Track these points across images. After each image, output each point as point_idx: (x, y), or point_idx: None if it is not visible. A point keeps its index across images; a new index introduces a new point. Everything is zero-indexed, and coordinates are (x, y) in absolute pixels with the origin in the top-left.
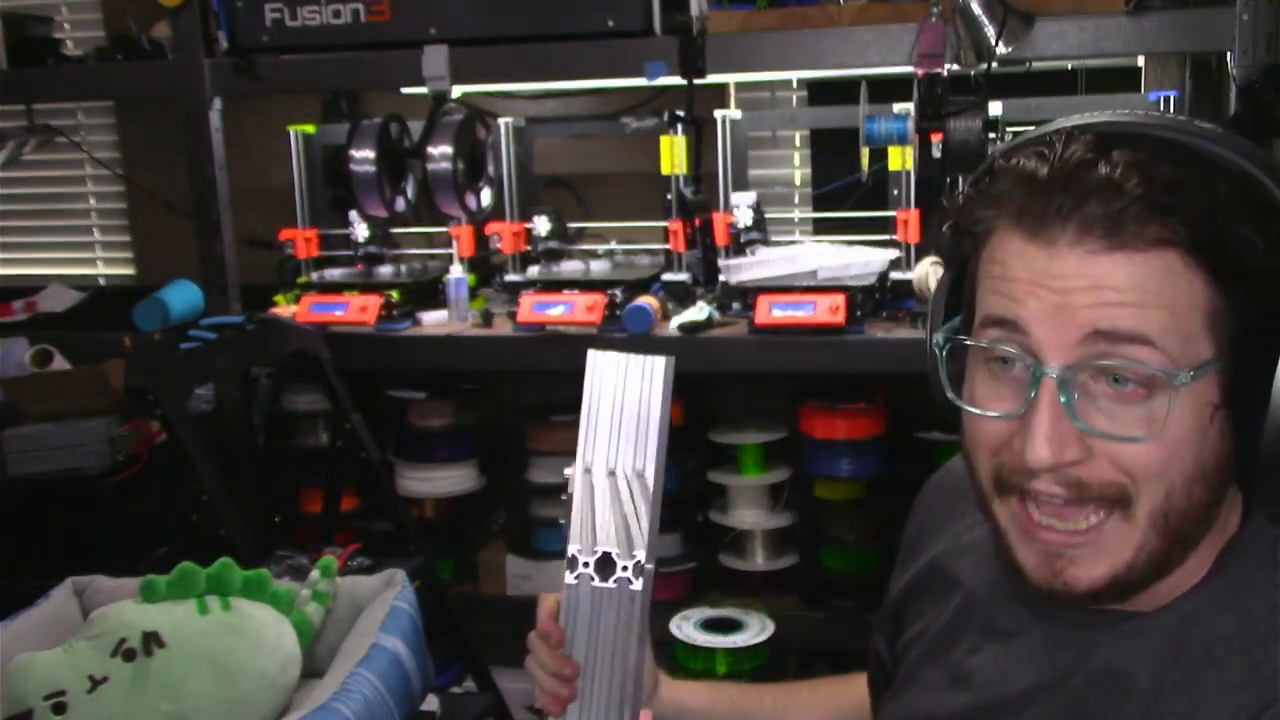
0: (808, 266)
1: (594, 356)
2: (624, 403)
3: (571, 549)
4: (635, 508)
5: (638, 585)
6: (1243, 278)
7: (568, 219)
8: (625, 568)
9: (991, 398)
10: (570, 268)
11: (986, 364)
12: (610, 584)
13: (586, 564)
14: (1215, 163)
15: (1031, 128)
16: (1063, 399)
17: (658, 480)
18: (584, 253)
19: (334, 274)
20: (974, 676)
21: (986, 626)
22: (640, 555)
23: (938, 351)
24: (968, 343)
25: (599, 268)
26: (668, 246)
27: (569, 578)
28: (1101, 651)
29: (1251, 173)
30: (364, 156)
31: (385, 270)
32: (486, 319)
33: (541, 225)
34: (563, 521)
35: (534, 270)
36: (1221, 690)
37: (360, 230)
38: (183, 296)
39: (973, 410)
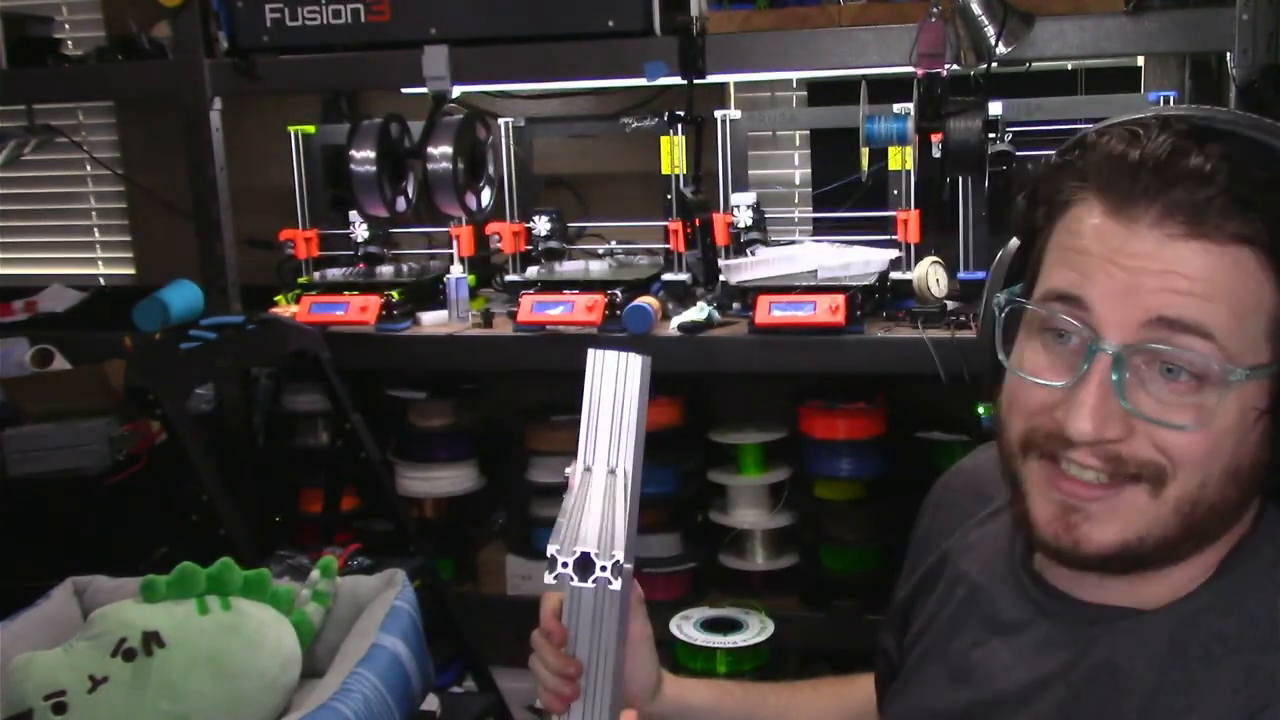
0: (808, 266)
1: (593, 355)
2: (612, 401)
3: (551, 549)
4: (615, 507)
5: (616, 585)
6: None
7: (568, 219)
8: (604, 568)
9: (1041, 367)
10: (570, 268)
11: (1042, 333)
12: (589, 584)
13: (565, 564)
14: None
15: (1031, 128)
16: (1114, 377)
17: (635, 479)
18: (584, 252)
19: (334, 274)
20: (975, 671)
21: (990, 620)
22: (619, 555)
23: (996, 311)
24: (1029, 306)
25: (598, 268)
26: (668, 246)
27: (548, 578)
28: (1101, 647)
29: None
30: (364, 156)
31: (385, 270)
32: (486, 319)
33: (541, 225)
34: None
35: (533, 270)
36: (1218, 691)
37: (361, 230)
38: (183, 296)
39: (1021, 375)
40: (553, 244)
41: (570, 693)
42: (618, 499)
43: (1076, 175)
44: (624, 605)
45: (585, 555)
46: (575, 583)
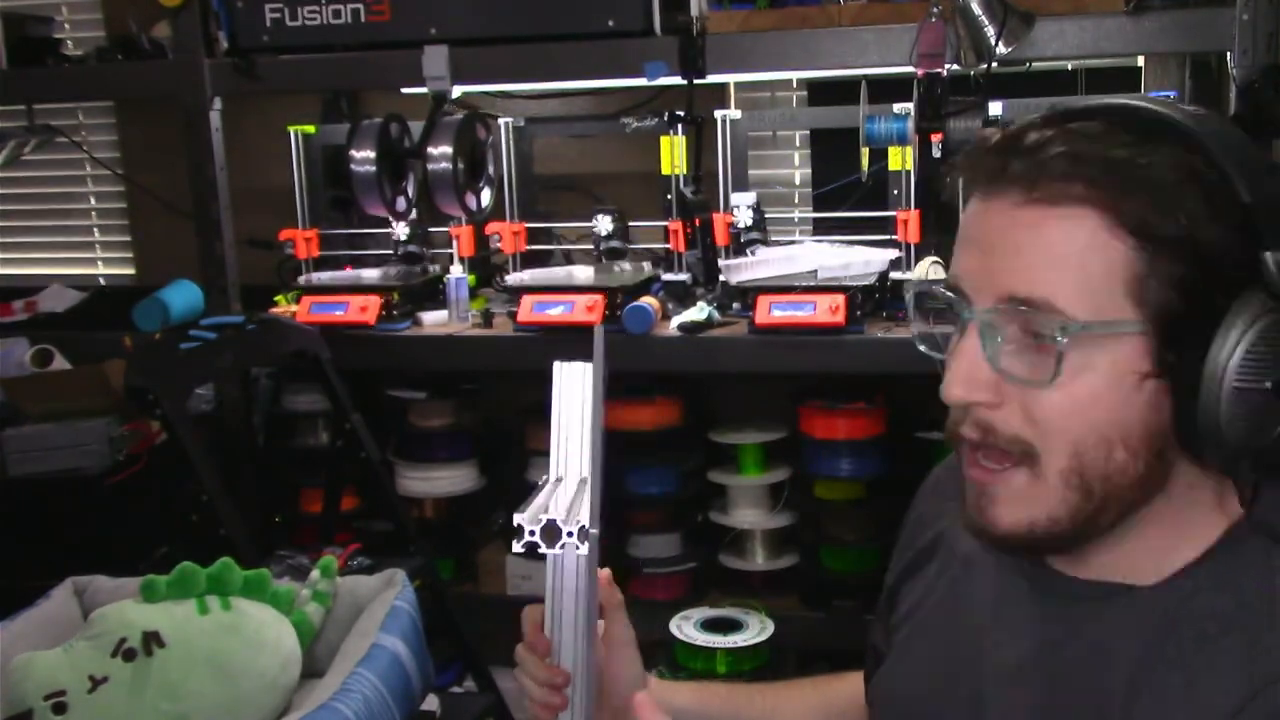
0: (808, 266)
1: (558, 368)
2: (580, 412)
3: (516, 519)
4: (583, 493)
5: (584, 550)
6: (1170, 247)
7: (567, 219)
8: (570, 533)
9: (952, 349)
10: (559, 272)
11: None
12: (557, 549)
13: (532, 532)
14: (1172, 134)
15: None
16: (982, 342)
17: (597, 451)
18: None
19: (321, 277)
20: (966, 649)
21: (982, 599)
22: (584, 520)
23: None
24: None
25: (583, 272)
26: (668, 246)
27: (516, 546)
28: (1092, 624)
29: (1203, 144)
30: (364, 156)
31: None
32: (486, 319)
33: (603, 224)
34: None
35: (527, 274)
36: (1217, 667)
37: (401, 229)
38: (183, 296)
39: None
40: (615, 244)
41: (559, 703)
42: (585, 489)
43: (954, 168)
44: (591, 574)
45: (552, 523)
46: (543, 549)
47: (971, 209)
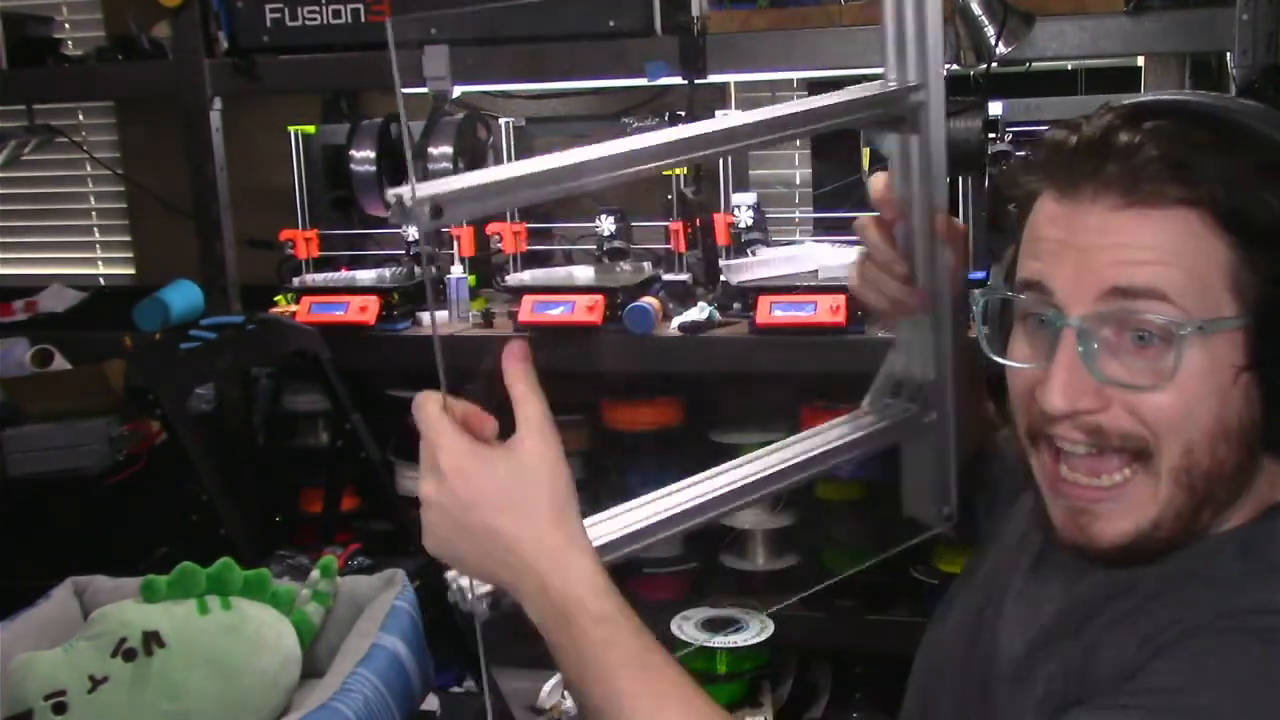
0: (808, 266)
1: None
2: None
3: None
4: None
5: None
6: (1266, 242)
7: (567, 219)
8: None
9: (1025, 354)
10: (559, 272)
11: (1023, 322)
12: None
13: None
14: (1245, 132)
15: (1031, 128)
16: (1081, 349)
17: None
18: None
19: (316, 278)
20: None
21: (1012, 588)
22: None
23: (974, 305)
24: (995, 296)
25: (584, 272)
26: (668, 246)
27: None
28: (1112, 574)
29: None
30: (364, 156)
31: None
32: (486, 319)
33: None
34: None
35: (528, 275)
36: (1215, 597)
37: (411, 230)
38: (183, 296)
39: (1004, 362)
40: (618, 244)
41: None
42: None
43: (1031, 170)
44: None
45: None
46: None
47: (1054, 212)
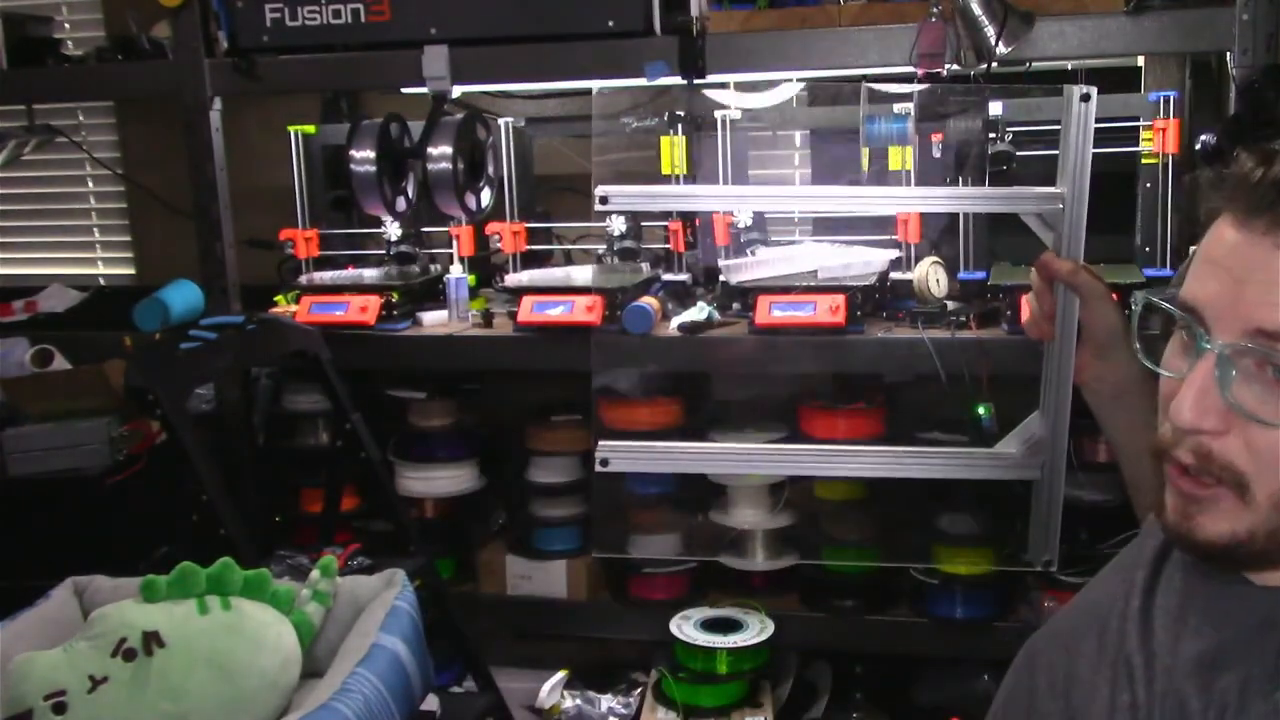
0: (808, 267)
1: None
2: None
3: None
4: None
5: None
6: None
7: (566, 219)
8: None
9: (1175, 363)
10: (558, 272)
11: (1180, 332)
12: None
13: None
14: None
15: (1031, 128)
16: (1218, 373)
17: None
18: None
19: (324, 276)
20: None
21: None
22: None
23: (1133, 307)
24: (1156, 302)
25: (583, 272)
26: (668, 246)
27: None
28: (1206, 603)
29: None
30: (364, 156)
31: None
32: (486, 319)
33: (616, 225)
34: None
35: (527, 275)
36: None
37: (393, 229)
38: (183, 296)
39: (1149, 365)
40: (628, 244)
41: (1047, 330)
42: None
43: (1217, 189)
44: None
45: None
46: None
47: (1225, 234)
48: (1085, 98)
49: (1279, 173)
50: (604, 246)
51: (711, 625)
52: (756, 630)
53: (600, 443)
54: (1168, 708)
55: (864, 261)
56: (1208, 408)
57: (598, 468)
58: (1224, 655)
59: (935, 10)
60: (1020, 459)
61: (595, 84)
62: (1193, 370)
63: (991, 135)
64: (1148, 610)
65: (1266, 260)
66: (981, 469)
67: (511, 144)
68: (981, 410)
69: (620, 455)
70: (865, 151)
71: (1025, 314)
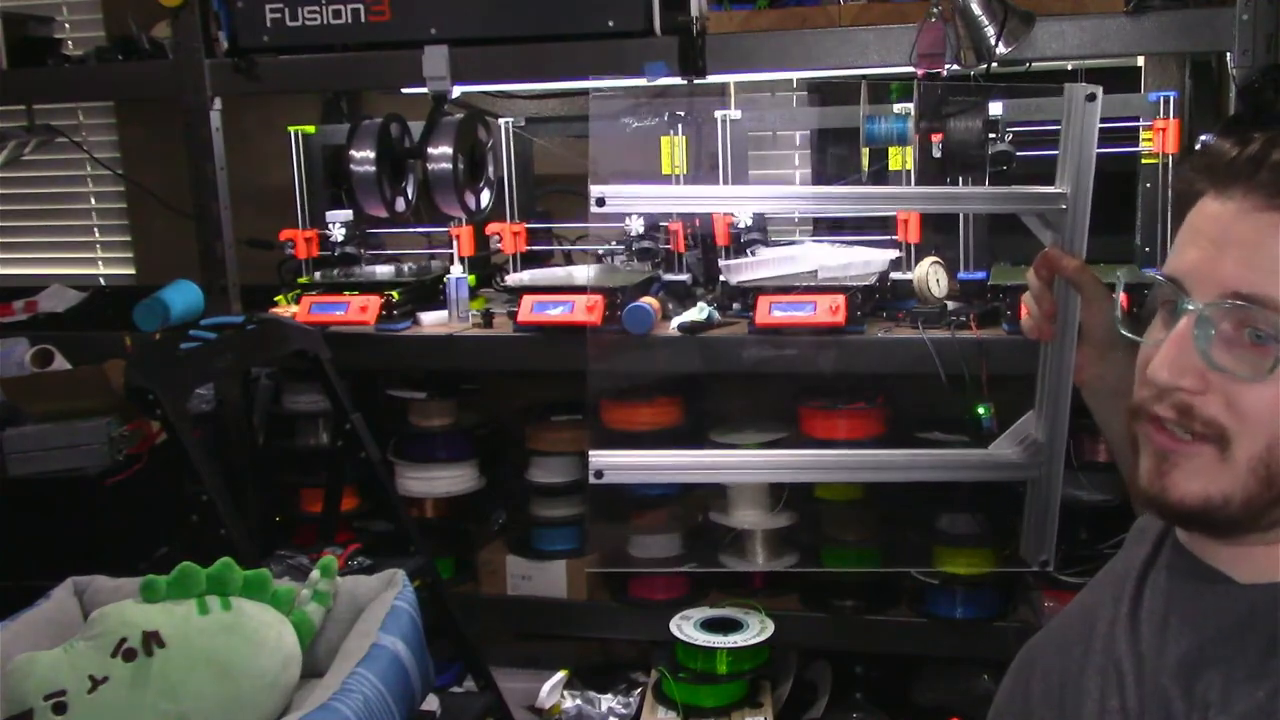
0: (808, 266)
1: None
2: None
3: None
4: None
5: None
6: None
7: (567, 219)
8: None
9: (1154, 333)
10: (558, 272)
11: (1162, 308)
12: None
13: None
14: None
15: (1031, 128)
16: (1196, 332)
17: None
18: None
19: (336, 273)
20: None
21: (1127, 565)
22: None
23: (1117, 284)
24: (1125, 281)
25: (583, 272)
26: (668, 246)
27: None
28: (1186, 604)
29: None
30: (364, 156)
31: (386, 270)
32: (486, 319)
33: (635, 225)
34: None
35: (527, 275)
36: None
37: (338, 231)
38: (183, 296)
39: (1131, 336)
40: (646, 244)
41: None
42: None
43: (1198, 169)
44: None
45: None
46: None
47: (1205, 207)
48: (1090, 97)
49: (1255, 149)
50: (606, 246)
51: (711, 625)
52: (756, 630)
53: (593, 454)
54: (1153, 711)
55: (864, 261)
56: (1185, 366)
57: (591, 479)
58: (1205, 655)
59: (935, 10)
60: (1015, 460)
61: (595, 84)
62: (1170, 330)
63: (991, 135)
64: (1135, 615)
65: (1243, 227)
66: (975, 471)
67: (511, 144)
68: (981, 410)
69: (616, 468)
70: (865, 151)
71: (1024, 314)
